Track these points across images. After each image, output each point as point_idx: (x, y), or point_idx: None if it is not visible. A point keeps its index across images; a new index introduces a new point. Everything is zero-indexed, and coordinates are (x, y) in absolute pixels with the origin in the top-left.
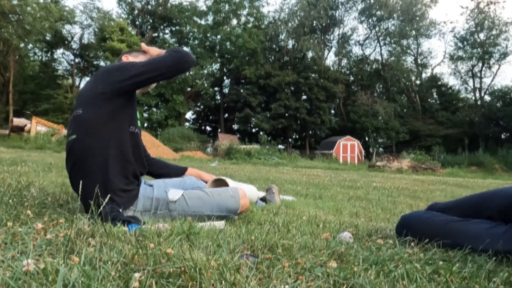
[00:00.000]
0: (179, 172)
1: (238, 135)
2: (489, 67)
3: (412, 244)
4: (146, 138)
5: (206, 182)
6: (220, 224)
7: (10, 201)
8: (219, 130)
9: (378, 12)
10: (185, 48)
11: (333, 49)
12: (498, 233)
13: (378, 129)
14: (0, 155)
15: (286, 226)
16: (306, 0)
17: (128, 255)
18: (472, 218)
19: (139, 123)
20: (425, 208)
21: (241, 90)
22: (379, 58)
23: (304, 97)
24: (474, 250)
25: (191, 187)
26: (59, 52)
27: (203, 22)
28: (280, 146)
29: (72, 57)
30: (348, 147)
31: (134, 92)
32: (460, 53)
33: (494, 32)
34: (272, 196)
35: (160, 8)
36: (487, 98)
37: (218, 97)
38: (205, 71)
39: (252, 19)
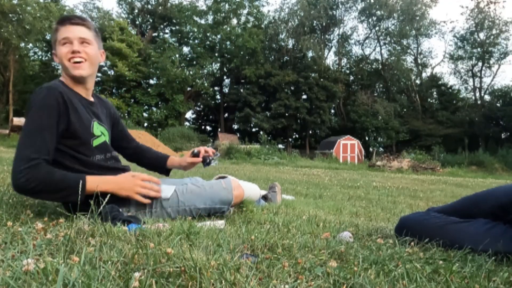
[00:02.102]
0: (160, 162)
1: (238, 135)
2: (489, 67)
3: (412, 243)
4: (146, 138)
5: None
6: (220, 223)
7: (10, 200)
8: (219, 129)
9: (378, 12)
10: (185, 48)
11: (333, 48)
12: (497, 234)
13: (378, 128)
14: (0, 154)
15: (286, 225)
16: (306, 0)
17: (128, 255)
18: (470, 218)
19: (95, 130)
20: (425, 211)
21: (241, 90)
22: (379, 57)
23: (304, 96)
24: (473, 251)
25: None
26: None
27: (203, 21)
28: (280, 146)
29: None
30: (348, 147)
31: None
32: (460, 52)
33: (494, 31)
34: (274, 195)
35: (160, 7)
36: (487, 97)
37: (218, 97)
38: (205, 71)
39: (252, 19)
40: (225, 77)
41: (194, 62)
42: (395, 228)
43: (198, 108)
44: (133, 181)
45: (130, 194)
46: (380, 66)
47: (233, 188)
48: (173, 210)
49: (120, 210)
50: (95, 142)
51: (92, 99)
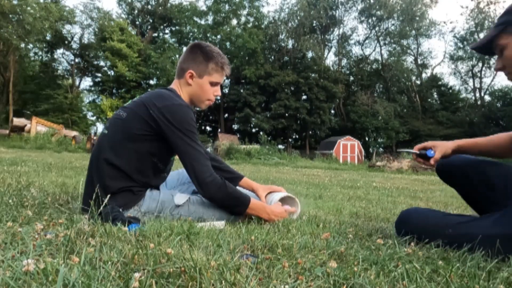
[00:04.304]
0: (232, 181)
1: (238, 135)
2: (489, 67)
3: (412, 244)
4: None
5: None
6: (220, 224)
7: (10, 201)
8: (219, 130)
9: (378, 12)
10: (185, 48)
11: (333, 49)
12: (495, 218)
13: (378, 129)
14: (0, 155)
15: (286, 226)
16: (306, 0)
17: (128, 255)
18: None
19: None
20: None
21: (241, 90)
22: (379, 58)
23: (304, 97)
24: (474, 239)
25: (187, 180)
26: (59, 52)
27: (203, 22)
28: (280, 146)
29: (72, 57)
30: (348, 147)
31: None
32: (460, 53)
33: None
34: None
35: (160, 8)
36: (487, 98)
37: (218, 97)
38: None
39: (252, 19)
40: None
41: None
42: (395, 223)
43: (198, 108)
44: (282, 212)
45: (277, 219)
46: (380, 66)
47: None
48: (181, 217)
49: (129, 210)
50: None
51: None
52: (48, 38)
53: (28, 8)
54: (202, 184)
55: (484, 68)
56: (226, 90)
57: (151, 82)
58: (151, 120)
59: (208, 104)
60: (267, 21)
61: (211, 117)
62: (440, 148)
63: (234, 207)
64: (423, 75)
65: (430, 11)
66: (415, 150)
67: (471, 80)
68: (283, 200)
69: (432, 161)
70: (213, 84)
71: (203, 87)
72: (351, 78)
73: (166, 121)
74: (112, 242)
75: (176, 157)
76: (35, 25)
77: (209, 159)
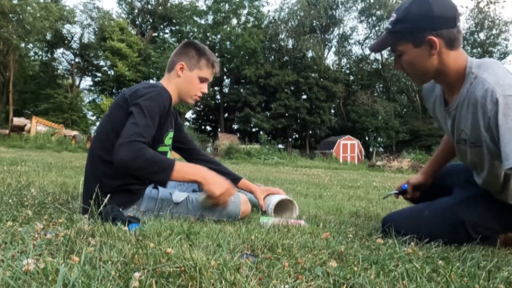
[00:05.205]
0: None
1: (238, 135)
2: None
3: (412, 243)
4: None
5: (257, 198)
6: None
7: (10, 201)
8: (219, 129)
9: (378, 12)
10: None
11: (333, 48)
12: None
13: (378, 128)
14: (0, 154)
15: (286, 225)
16: (306, 0)
17: (128, 255)
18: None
19: (167, 140)
20: None
21: (241, 90)
22: (379, 57)
23: (304, 96)
24: (443, 212)
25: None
26: (59, 51)
27: (203, 21)
28: (280, 146)
29: (72, 56)
30: (348, 147)
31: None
32: None
33: (494, 31)
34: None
35: (160, 7)
36: None
37: (218, 97)
38: None
39: (252, 19)
40: (225, 77)
41: None
42: (381, 230)
43: (198, 108)
44: (229, 185)
45: (219, 194)
46: (380, 66)
47: (241, 203)
48: (181, 216)
49: (128, 209)
50: (160, 148)
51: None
52: (48, 37)
53: (28, 7)
54: (117, 146)
55: None
56: (226, 90)
57: (151, 81)
58: (125, 104)
59: (195, 99)
60: (267, 20)
61: (211, 117)
62: (411, 181)
63: (154, 173)
64: None
65: None
66: (396, 191)
67: None
68: (281, 203)
69: (407, 195)
70: (202, 79)
71: (192, 81)
72: (351, 77)
73: (137, 97)
74: (112, 241)
75: (176, 155)
76: (35, 25)
77: (149, 137)
